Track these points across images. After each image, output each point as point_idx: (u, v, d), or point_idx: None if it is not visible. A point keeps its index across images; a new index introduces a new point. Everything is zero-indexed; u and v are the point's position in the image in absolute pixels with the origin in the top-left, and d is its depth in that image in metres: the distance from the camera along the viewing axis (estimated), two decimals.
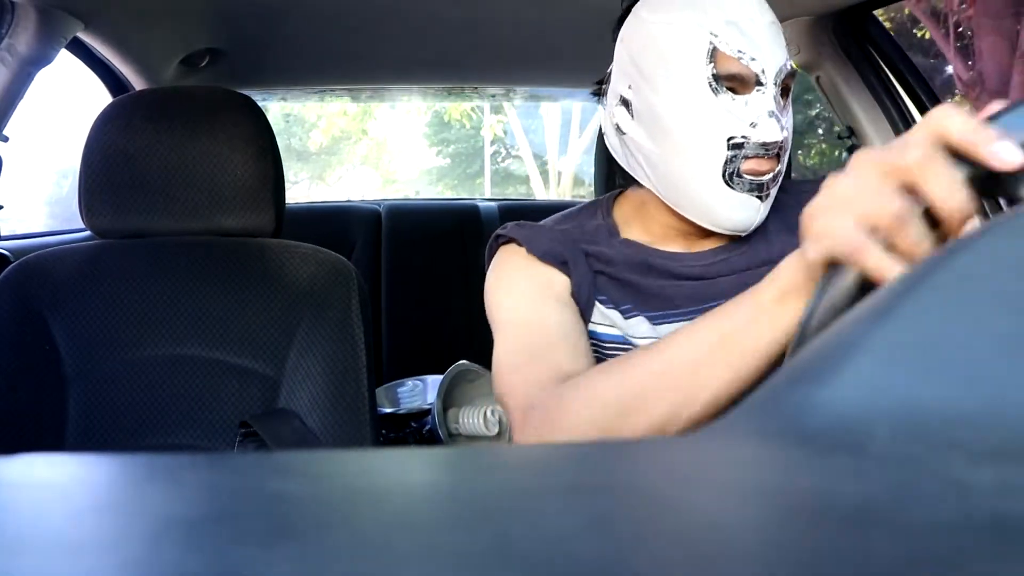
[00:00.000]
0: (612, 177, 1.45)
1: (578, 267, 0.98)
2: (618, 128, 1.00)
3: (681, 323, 0.97)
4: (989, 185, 0.50)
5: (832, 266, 0.55)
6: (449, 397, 1.77)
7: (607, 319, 0.99)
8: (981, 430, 0.22)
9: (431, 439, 1.78)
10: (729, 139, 0.90)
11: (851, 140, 1.90)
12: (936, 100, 1.79)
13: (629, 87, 0.98)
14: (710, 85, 0.91)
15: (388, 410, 1.90)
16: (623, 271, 0.99)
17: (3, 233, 1.89)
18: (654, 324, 0.98)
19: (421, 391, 2.00)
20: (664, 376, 0.75)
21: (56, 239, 2.06)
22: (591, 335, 0.99)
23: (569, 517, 0.19)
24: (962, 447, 0.21)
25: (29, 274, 1.32)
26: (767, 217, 1.00)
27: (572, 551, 0.17)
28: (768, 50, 0.91)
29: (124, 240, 1.37)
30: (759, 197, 0.93)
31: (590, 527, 0.18)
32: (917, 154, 0.52)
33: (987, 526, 0.17)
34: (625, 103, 0.99)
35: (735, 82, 0.91)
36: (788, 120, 0.94)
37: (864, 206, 0.54)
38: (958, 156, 0.51)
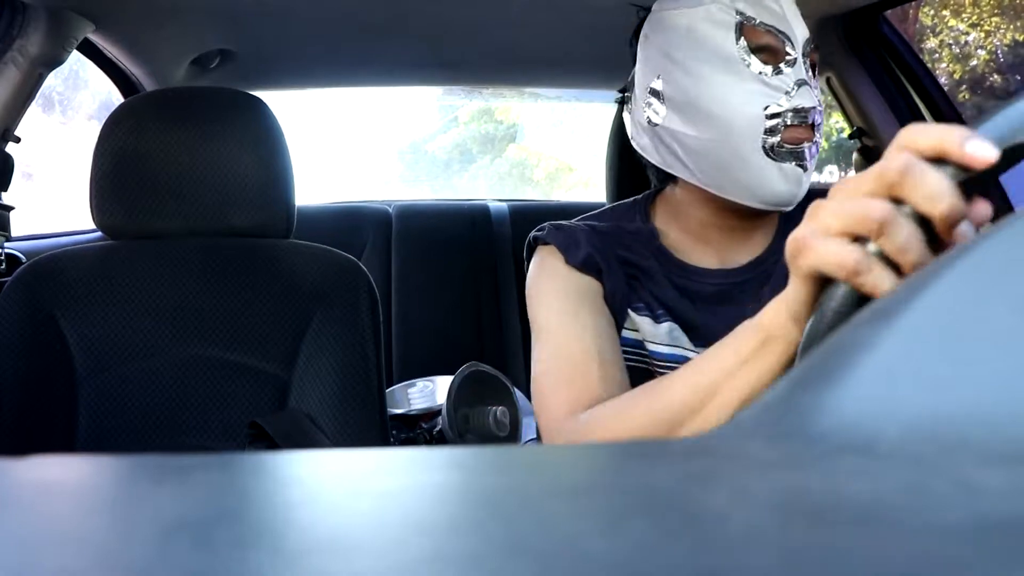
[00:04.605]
0: (623, 181, 1.45)
1: (612, 274, 0.99)
2: (650, 123, 1.01)
3: (699, 349, 0.98)
4: (971, 186, 0.49)
5: (830, 281, 0.55)
6: (459, 398, 1.77)
7: (635, 325, 1.00)
8: (991, 431, 0.22)
9: (441, 440, 1.78)
10: (765, 108, 0.92)
11: (861, 141, 1.90)
12: (947, 100, 1.78)
13: (658, 78, 0.99)
14: (742, 59, 0.93)
15: (398, 411, 1.90)
16: (660, 287, 1.00)
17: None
18: (679, 336, 0.99)
19: (431, 392, 1.99)
20: (660, 420, 0.76)
21: (67, 240, 2.07)
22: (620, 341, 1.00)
23: (580, 518, 0.19)
24: (972, 448, 0.21)
25: (41, 275, 1.32)
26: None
27: (584, 552, 0.17)
28: (793, 22, 0.94)
29: (135, 241, 1.37)
30: (801, 166, 0.93)
31: (602, 528, 0.18)
32: (896, 164, 0.50)
33: (997, 528, 0.17)
34: (656, 94, 1.00)
35: (766, 54, 0.93)
36: (818, 94, 0.95)
37: (845, 219, 0.53)
38: (937, 164, 0.50)
